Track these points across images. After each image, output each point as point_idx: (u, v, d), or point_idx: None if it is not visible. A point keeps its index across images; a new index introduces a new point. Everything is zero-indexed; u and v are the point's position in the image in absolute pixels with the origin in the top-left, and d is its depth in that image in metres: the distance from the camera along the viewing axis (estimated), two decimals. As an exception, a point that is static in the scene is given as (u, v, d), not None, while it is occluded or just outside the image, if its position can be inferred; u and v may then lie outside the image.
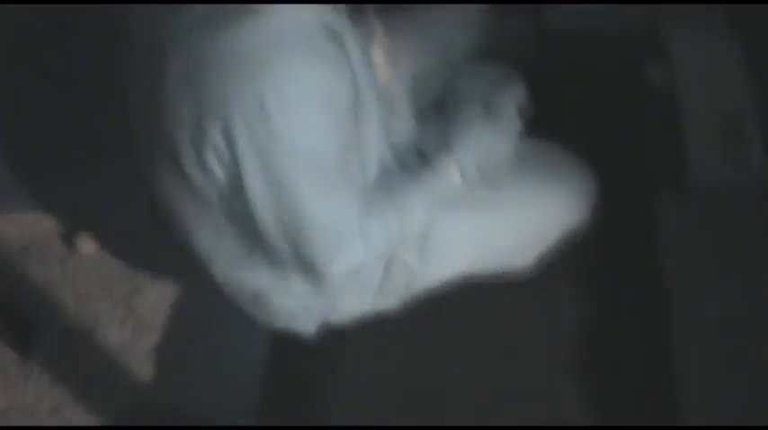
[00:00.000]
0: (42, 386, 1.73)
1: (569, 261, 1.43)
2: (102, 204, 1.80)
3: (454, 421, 1.48)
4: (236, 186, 1.10)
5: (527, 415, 1.46)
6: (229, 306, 1.42)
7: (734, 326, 1.30)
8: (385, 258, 1.31)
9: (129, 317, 1.79)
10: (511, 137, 1.35)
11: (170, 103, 1.06)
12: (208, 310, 1.68)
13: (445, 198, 1.31)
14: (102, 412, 1.68)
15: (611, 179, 1.42)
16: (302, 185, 1.10)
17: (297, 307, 1.35)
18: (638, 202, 1.40)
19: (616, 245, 1.42)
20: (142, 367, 1.74)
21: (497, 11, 1.51)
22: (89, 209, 1.85)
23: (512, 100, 1.37)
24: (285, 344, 1.50)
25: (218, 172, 1.09)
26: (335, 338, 1.44)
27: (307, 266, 1.21)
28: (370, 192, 1.24)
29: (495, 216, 1.37)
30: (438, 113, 1.46)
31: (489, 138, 1.33)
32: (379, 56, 1.27)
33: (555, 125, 1.39)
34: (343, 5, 1.11)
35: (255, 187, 1.09)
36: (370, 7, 1.16)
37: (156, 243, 1.36)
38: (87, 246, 1.84)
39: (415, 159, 1.37)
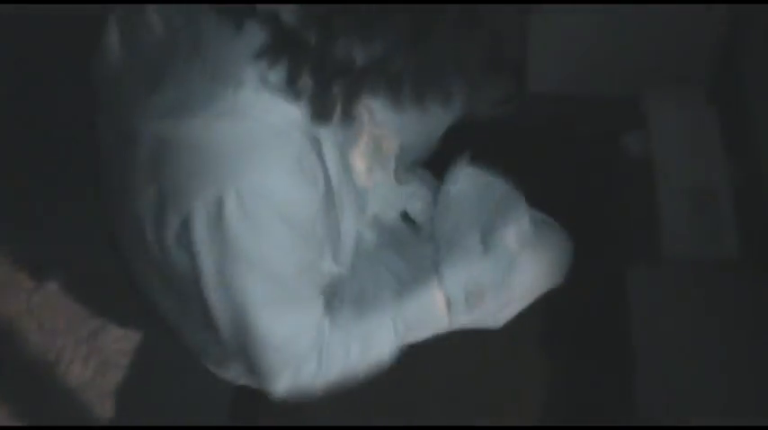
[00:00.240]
0: (1, 420, 1.71)
1: (539, 324, 1.43)
2: (69, 246, 1.79)
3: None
4: (194, 277, 1.03)
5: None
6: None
7: (706, 398, 1.30)
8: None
9: (94, 354, 1.77)
10: (505, 269, 1.30)
11: (138, 180, 1.00)
12: (173, 352, 1.67)
13: (423, 325, 1.27)
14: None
15: (583, 248, 1.42)
16: (257, 299, 1.03)
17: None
18: (611, 273, 1.41)
19: (587, 314, 1.42)
20: (105, 405, 1.73)
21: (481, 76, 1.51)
22: (57, 247, 1.84)
23: (512, 229, 1.32)
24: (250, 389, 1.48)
25: (179, 258, 1.03)
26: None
27: (254, 374, 1.16)
28: (339, 303, 1.20)
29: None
30: (423, 171, 1.43)
31: (483, 272, 1.29)
32: (359, 163, 1.20)
33: (531, 190, 1.39)
34: (336, 107, 0.97)
35: (210, 288, 1.02)
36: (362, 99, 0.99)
37: (122, 289, 1.33)
38: (54, 280, 1.83)
39: (402, 226, 1.34)
